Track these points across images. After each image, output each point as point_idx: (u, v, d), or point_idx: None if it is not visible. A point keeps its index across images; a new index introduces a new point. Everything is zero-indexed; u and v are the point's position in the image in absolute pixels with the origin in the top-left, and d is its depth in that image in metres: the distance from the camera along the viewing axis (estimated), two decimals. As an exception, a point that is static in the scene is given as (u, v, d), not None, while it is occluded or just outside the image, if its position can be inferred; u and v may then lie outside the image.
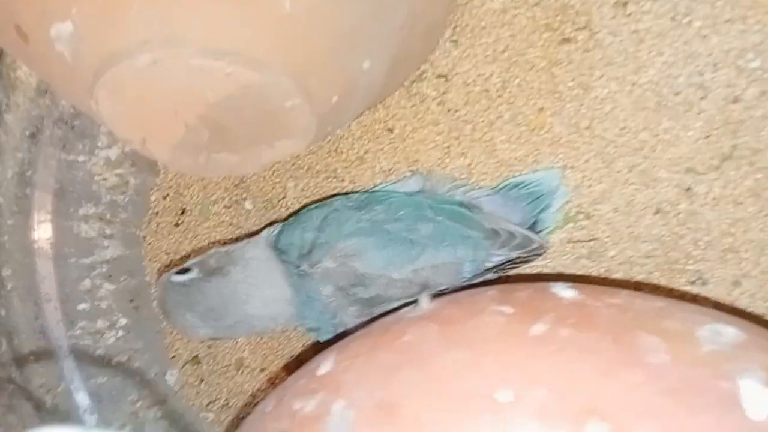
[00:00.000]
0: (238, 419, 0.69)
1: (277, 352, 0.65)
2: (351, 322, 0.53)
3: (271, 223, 0.60)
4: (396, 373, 0.34)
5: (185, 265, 0.54)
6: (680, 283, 0.54)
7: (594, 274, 0.55)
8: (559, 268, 0.56)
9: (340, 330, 0.54)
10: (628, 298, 0.37)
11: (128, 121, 0.40)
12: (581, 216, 0.55)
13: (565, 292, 0.39)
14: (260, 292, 0.53)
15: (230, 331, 0.55)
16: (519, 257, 0.52)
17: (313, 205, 0.56)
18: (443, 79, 0.56)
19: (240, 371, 0.67)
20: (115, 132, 0.40)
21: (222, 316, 0.53)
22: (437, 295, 0.43)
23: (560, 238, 0.56)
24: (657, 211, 0.54)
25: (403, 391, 0.33)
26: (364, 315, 0.52)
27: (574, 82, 0.54)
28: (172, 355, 0.69)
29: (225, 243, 0.66)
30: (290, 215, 0.63)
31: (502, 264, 0.52)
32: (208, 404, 0.69)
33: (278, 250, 0.54)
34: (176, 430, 0.68)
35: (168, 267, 0.68)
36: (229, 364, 0.68)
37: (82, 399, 0.65)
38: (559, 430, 0.28)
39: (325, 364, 0.39)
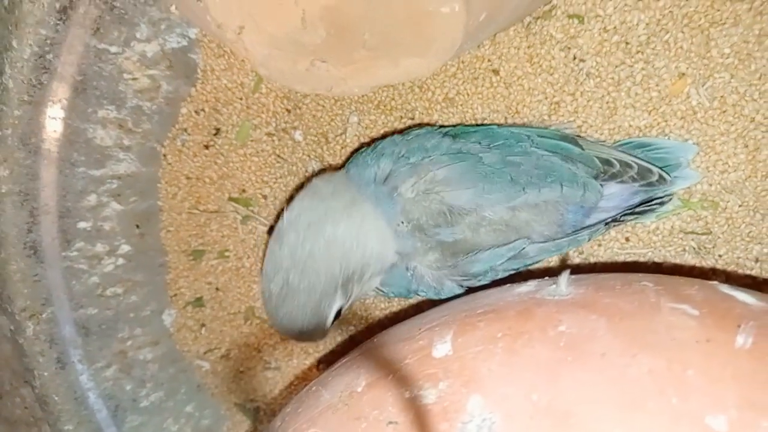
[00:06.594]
0: (238, 372, 0.64)
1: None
2: (428, 275, 0.45)
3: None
4: (561, 372, 0.27)
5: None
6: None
7: (697, 271, 0.49)
8: (657, 260, 0.50)
9: (413, 288, 0.46)
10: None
11: (231, -1, 0.31)
12: (705, 204, 0.48)
13: (745, 296, 0.32)
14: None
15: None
16: (635, 206, 0.45)
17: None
18: (576, 21, 0.48)
19: (249, 322, 0.62)
20: (211, 11, 0.30)
21: None
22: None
23: (671, 225, 0.49)
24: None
25: (576, 398, 0.26)
26: (445, 269, 0.45)
27: (731, 49, 0.46)
28: (173, 293, 0.62)
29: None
30: (356, 150, 0.55)
31: (617, 216, 0.45)
32: (205, 352, 0.64)
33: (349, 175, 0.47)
34: (165, 375, 0.63)
35: (188, 195, 0.60)
36: (238, 312, 0.62)
37: (68, 330, 0.59)
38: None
39: (441, 344, 0.31)
